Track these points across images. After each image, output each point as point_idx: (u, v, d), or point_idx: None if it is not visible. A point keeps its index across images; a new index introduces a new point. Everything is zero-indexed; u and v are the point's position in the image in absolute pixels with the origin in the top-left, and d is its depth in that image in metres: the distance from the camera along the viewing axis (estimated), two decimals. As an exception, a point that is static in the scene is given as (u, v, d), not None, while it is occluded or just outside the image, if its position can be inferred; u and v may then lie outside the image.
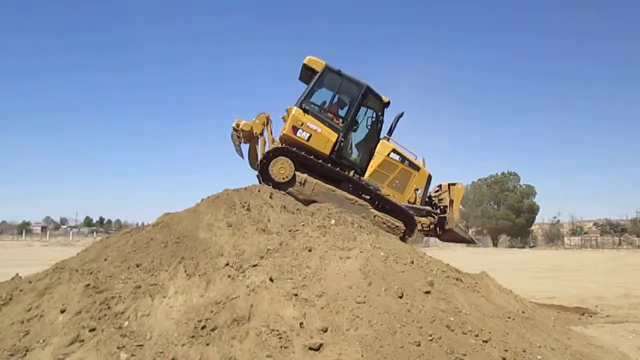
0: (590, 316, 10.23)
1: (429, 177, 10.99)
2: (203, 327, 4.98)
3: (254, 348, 4.76)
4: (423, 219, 10.96)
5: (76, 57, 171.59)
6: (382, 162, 10.48)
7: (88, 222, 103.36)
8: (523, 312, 6.89)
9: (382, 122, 10.70)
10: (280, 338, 4.83)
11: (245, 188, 8.81)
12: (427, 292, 5.88)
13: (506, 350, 5.21)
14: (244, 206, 7.65)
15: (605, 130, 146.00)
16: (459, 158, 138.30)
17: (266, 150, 10.16)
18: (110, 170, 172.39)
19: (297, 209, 8.43)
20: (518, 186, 70.87)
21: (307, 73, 10.51)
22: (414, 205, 10.70)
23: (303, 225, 7.44)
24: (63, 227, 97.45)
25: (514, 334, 5.70)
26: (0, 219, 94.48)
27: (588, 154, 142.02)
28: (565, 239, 72.01)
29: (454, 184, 11.24)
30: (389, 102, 10.67)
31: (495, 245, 70.07)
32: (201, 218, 7.46)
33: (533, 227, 74.60)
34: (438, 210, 11.21)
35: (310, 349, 4.76)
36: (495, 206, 70.98)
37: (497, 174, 72.29)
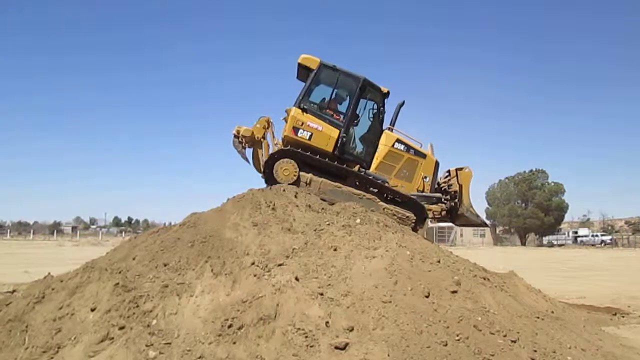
0: (623, 316, 10.01)
1: (437, 164, 10.87)
2: (230, 326, 5.02)
3: (280, 347, 4.77)
4: (434, 206, 10.85)
5: (95, 56, 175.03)
6: (387, 153, 10.40)
7: (117, 222, 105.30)
8: (552, 312, 6.76)
9: (383, 113, 10.64)
10: (306, 337, 4.84)
11: (270, 188, 8.86)
12: (454, 292, 5.81)
13: (535, 351, 5.12)
14: (269, 206, 7.68)
15: (637, 129, 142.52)
16: (486, 156, 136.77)
17: (270, 153, 10.21)
18: (138, 171, 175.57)
19: (322, 208, 8.43)
20: (546, 184, 69.67)
21: (303, 72, 10.51)
22: (424, 194, 10.59)
23: (328, 224, 7.44)
24: (92, 227, 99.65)
25: (543, 335, 5.60)
26: (33, 220, 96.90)
27: (619, 151, 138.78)
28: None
29: (461, 169, 11.08)
30: (388, 93, 10.60)
31: (523, 244, 69.01)
32: (227, 218, 7.52)
33: (562, 226, 73.27)
34: (448, 197, 11.10)
35: (336, 348, 4.75)
36: (523, 204, 69.88)
37: (524, 171, 71.29)
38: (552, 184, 69.52)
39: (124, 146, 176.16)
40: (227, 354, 4.75)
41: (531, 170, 71.04)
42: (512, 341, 5.16)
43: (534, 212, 66.87)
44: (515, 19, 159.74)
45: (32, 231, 79.53)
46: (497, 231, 75.86)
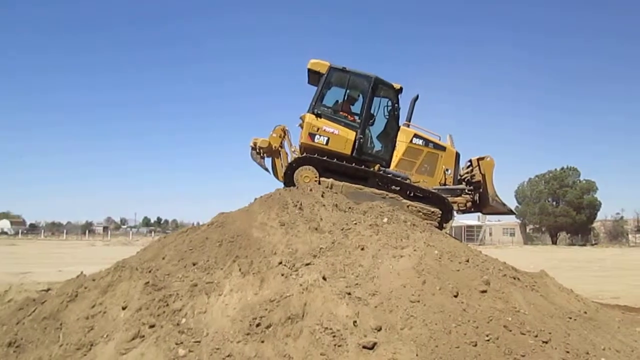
0: (659, 317, 9.74)
1: (457, 155, 10.79)
2: (258, 325, 5.04)
3: (308, 346, 4.78)
4: (458, 198, 10.75)
5: (123, 53, 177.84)
6: (406, 149, 10.37)
7: (146, 222, 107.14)
8: (585, 312, 6.61)
9: (398, 109, 10.55)
10: (334, 336, 4.83)
11: (297, 187, 8.88)
12: (484, 291, 5.74)
13: (567, 352, 5.02)
14: (296, 205, 7.70)
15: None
16: (516, 154, 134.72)
17: (289, 161, 10.24)
18: (166, 171, 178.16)
19: (349, 208, 8.42)
20: (578, 182, 68.14)
21: (314, 77, 10.47)
22: (447, 187, 10.51)
23: (355, 223, 7.42)
24: (123, 227, 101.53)
25: (576, 335, 5.48)
26: (65, 220, 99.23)
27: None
28: (630, 236, 68.55)
29: (482, 158, 10.92)
30: (401, 89, 10.50)
31: (554, 243, 67.68)
32: (254, 217, 7.57)
33: (594, 224, 71.49)
34: (472, 187, 10.96)
35: (364, 347, 4.73)
36: (554, 203, 68.48)
37: (555, 169, 69.76)
38: (584, 181, 67.91)
39: (153, 146, 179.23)
40: (255, 352, 4.78)
41: (562, 168, 69.54)
42: (543, 342, 5.07)
43: (565, 211, 65.43)
44: (549, 17, 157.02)
45: (65, 231, 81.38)
46: (528, 230, 74.52)
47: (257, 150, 10.56)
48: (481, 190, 10.81)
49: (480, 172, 10.82)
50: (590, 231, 70.42)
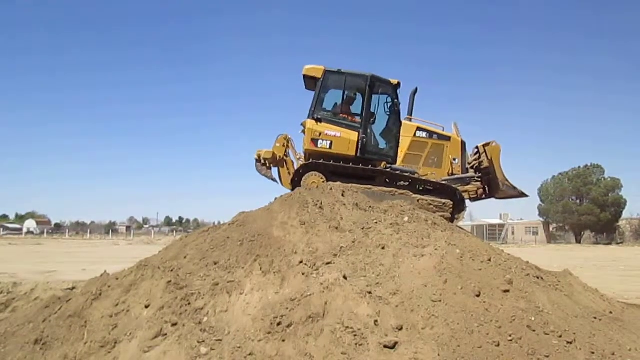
0: (687, 318, 9.51)
1: (463, 144, 10.74)
2: (279, 324, 5.06)
3: (329, 345, 4.78)
4: (468, 187, 10.69)
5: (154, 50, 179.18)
6: (411, 143, 10.36)
7: (168, 222, 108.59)
8: (611, 312, 6.48)
9: (398, 105, 10.55)
10: (355, 335, 4.83)
11: (317, 187, 8.88)
12: (506, 291, 5.67)
13: (593, 353, 4.93)
14: (316, 204, 7.70)
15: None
16: (539, 151, 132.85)
17: (295, 168, 10.27)
18: (187, 173, 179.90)
19: (370, 207, 8.39)
20: (602, 179, 66.95)
21: (310, 82, 10.49)
22: (456, 176, 10.44)
23: (376, 222, 7.39)
24: (145, 226, 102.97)
25: (601, 336, 5.39)
26: (90, 220, 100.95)
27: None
28: (657, 234, 67.18)
29: (488, 144, 10.83)
30: (399, 84, 10.49)
31: (578, 242, 66.61)
32: (275, 217, 7.59)
33: (620, 223, 70.15)
34: (481, 174, 10.88)
35: (385, 347, 4.72)
36: (578, 201, 67.42)
37: (579, 167, 68.62)
38: (609, 179, 66.71)
39: (173, 146, 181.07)
40: (277, 351, 4.79)
41: (586, 165, 68.38)
42: (567, 342, 4.99)
43: (589, 209, 64.33)
44: (571, 18, 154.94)
45: (89, 231, 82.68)
46: (551, 229, 73.45)
47: (262, 162, 10.61)
48: (490, 176, 10.71)
49: (488, 158, 10.73)
50: (616, 230, 69.12)
